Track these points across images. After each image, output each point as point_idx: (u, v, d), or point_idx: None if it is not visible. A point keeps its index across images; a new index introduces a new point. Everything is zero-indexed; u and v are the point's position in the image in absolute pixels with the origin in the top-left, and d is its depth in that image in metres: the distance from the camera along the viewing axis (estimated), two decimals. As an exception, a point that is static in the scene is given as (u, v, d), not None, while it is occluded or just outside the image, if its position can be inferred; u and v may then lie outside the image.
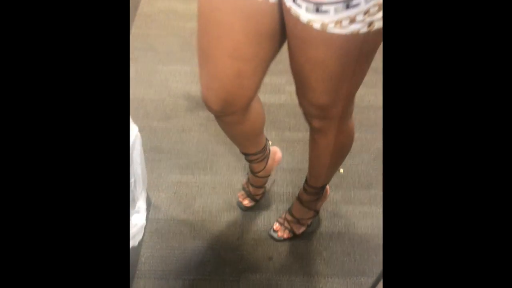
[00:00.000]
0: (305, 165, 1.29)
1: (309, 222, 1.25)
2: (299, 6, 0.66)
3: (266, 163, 1.16)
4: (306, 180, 1.15)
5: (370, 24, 0.66)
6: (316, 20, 0.66)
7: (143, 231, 1.21)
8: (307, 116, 0.90)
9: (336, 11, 0.64)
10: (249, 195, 1.28)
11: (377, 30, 0.68)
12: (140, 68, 1.75)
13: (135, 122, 1.10)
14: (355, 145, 1.03)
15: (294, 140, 1.51)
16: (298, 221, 1.23)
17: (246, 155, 1.10)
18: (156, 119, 1.57)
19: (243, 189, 1.29)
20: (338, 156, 1.02)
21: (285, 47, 0.82)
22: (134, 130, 1.09)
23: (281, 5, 0.72)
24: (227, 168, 1.42)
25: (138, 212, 1.16)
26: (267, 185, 1.32)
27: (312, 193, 1.16)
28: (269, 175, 1.23)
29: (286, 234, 1.24)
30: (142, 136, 1.15)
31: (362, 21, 0.65)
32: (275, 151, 1.22)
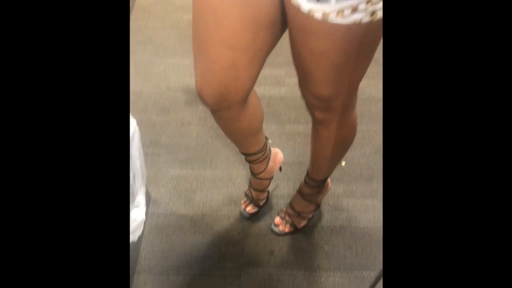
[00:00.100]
0: (306, 158, 1.28)
1: (310, 215, 1.24)
2: None
3: (267, 164, 1.12)
4: (307, 173, 1.14)
5: (373, 13, 0.65)
6: (317, 10, 0.65)
7: (142, 226, 1.20)
8: (310, 107, 0.89)
9: (337, 0, 0.62)
10: (252, 200, 1.24)
11: (380, 20, 0.66)
12: (138, 61, 1.73)
13: (133, 116, 1.08)
14: (356, 138, 1.01)
15: (295, 133, 1.50)
16: (299, 215, 1.22)
17: (246, 155, 1.07)
18: (154, 113, 1.55)
19: (246, 195, 1.26)
20: (340, 148, 1.00)
21: (285, 38, 0.80)
22: (132, 124, 1.08)
23: None
24: (227, 162, 1.41)
25: (137, 207, 1.15)
26: (270, 189, 1.29)
27: (313, 186, 1.14)
28: (271, 178, 1.20)
29: (287, 228, 1.23)
30: (140, 130, 1.13)
31: (365, 10, 0.64)
32: (276, 153, 1.18)
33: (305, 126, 1.50)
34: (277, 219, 1.24)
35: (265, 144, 1.07)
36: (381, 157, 1.43)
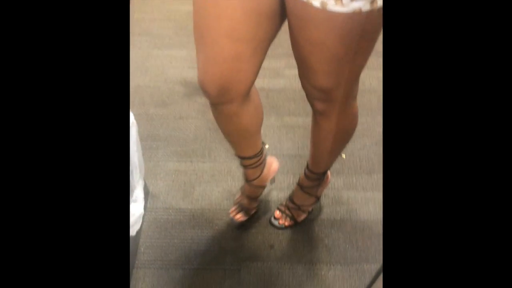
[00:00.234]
0: (306, 151, 1.27)
1: (310, 209, 1.23)
2: None
3: (262, 170, 1.10)
4: (307, 166, 1.13)
5: (373, 1, 0.63)
6: None
7: (141, 221, 1.19)
8: (310, 98, 0.87)
9: None
10: (242, 208, 1.20)
11: (381, 8, 0.64)
12: (135, 53, 1.71)
13: (131, 109, 1.07)
14: (356, 130, 1.00)
15: (294, 125, 1.48)
16: (299, 208, 1.21)
17: (242, 158, 1.05)
18: (152, 106, 1.54)
19: (236, 203, 1.23)
20: (341, 140, 0.99)
21: (283, 29, 0.78)
22: (129, 118, 1.06)
23: None
24: (226, 155, 1.39)
25: (135, 201, 1.14)
26: (265, 192, 1.25)
27: (313, 178, 1.13)
28: (264, 186, 1.18)
29: (287, 222, 1.22)
30: (138, 124, 1.12)
31: None
32: (272, 161, 1.16)
33: (304, 118, 1.49)
34: (277, 213, 1.23)
35: (262, 150, 1.06)
36: (382, 149, 1.42)
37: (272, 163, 1.16)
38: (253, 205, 1.21)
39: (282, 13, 0.74)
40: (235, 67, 0.77)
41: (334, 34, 0.69)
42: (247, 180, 1.12)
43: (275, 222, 1.23)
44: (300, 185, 1.18)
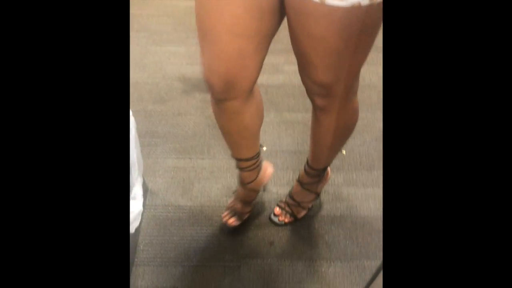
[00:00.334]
0: (305, 147, 1.26)
1: (310, 205, 1.22)
2: None
3: (258, 174, 1.09)
4: (307, 162, 1.12)
5: None
6: None
7: (140, 218, 1.18)
8: (310, 94, 0.87)
9: None
10: (235, 213, 1.19)
11: (381, 3, 0.64)
12: (133, 49, 1.70)
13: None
14: (356, 126, 0.99)
15: (294, 121, 1.47)
16: (299, 205, 1.20)
17: (239, 160, 1.04)
18: (150, 103, 1.53)
19: (228, 207, 1.21)
20: (341, 136, 0.98)
21: (283, 25, 0.77)
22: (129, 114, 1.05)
23: None
24: (225, 151, 1.38)
25: (134, 198, 1.13)
26: (259, 197, 1.24)
27: (313, 175, 1.12)
28: (259, 191, 1.17)
29: (287, 218, 1.21)
30: (136, 120, 1.11)
31: None
32: (267, 166, 1.15)
33: (304, 114, 1.48)
34: (277, 209, 1.22)
35: (259, 152, 1.05)
36: (381, 145, 1.41)
37: (268, 168, 1.16)
38: (247, 209, 1.19)
39: (282, 9, 0.73)
40: (240, 63, 0.78)
41: (334, 29, 0.68)
42: (242, 183, 1.12)
43: (275, 219, 1.22)
44: (300, 182, 1.17)
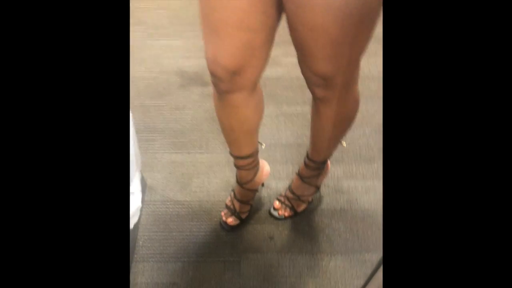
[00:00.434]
0: (305, 140, 1.25)
1: (310, 199, 1.21)
2: None
3: (255, 173, 1.09)
4: (307, 155, 1.11)
5: None
6: None
7: (139, 214, 1.17)
8: (310, 85, 0.86)
9: None
10: (233, 212, 1.18)
11: None
12: (130, 44, 1.68)
13: (124, 101, 1.04)
14: (356, 118, 0.98)
15: (293, 114, 1.46)
16: (299, 198, 1.19)
17: (237, 158, 1.03)
18: (148, 97, 1.51)
19: (227, 207, 1.20)
20: (342, 126, 0.97)
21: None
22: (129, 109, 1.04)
23: None
24: (224, 145, 1.37)
25: (132, 194, 1.12)
26: (258, 194, 1.24)
27: (313, 168, 1.11)
28: (256, 190, 1.16)
29: (287, 212, 1.20)
30: (134, 116, 1.10)
31: None
32: (264, 164, 1.15)
33: (303, 106, 1.47)
34: (276, 203, 1.21)
35: (257, 151, 1.04)
36: (382, 137, 1.40)
37: (264, 166, 1.15)
38: (245, 209, 1.18)
39: (281, 0, 0.72)
40: (249, 54, 0.77)
41: (332, 18, 0.67)
42: (240, 183, 1.11)
43: (275, 213, 1.21)
44: (299, 175, 1.16)
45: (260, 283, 1.10)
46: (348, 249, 1.15)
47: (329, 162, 1.18)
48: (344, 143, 1.36)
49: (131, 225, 1.10)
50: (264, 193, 1.27)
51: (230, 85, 0.82)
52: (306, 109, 0.99)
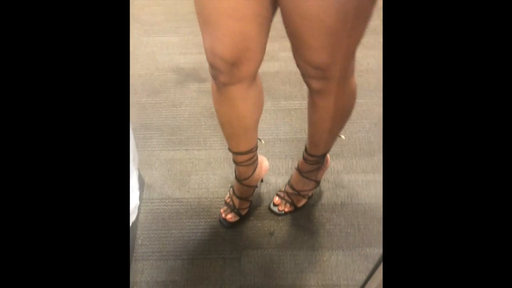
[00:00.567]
0: (304, 135, 1.23)
1: (310, 193, 1.20)
2: None
3: (254, 169, 1.07)
4: (305, 149, 1.09)
5: None
6: None
7: (137, 212, 1.16)
8: (305, 77, 0.84)
9: None
10: (233, 209, 1.16)
11: None
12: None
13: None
14: (355, 111, 0.96)
15: (291, 109, 1.44)
16: (299, 194, 1.18)
17: (236, 154, 1.01)
18: (144, 95, 1.50)
19: (226, 204, 1.19)
20: (340, 119, 0.96)
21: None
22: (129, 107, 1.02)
23: None
24: (222, 141, 1.36)
25: (130, 192, 1.11)
26: (257, 190, 1.23)
27: (313, 162, 1.10)
28: (256, 186, 1.14)
29: (287, 208, 1.19)
30: (130, 113, 1.08)
31: None
32: (262, 160, 1.13)
33: (301, 101, 1.45)
34: (276, 199, 1.20)
35: (256, 147, 1.03)
36: (381, 130, 1.38)
37: (263, 162, 1.14)
38: (244, 205, 1.17)
39: None
40: (245, 45, 0.76)
41: (328, 7, 0.66)
42: (239, 179, 1.09)
43: (275, 209, 1.20)
44: (299, 170, 1.15)
45: (261, 280, 1.09)
46: (349, 244, 1.14)
47: (328, 156, 1.16)
48: (343, 136, 1.34)
49: (129, 223, 1.09)
50: (263, 189, 1.25)
51: (229, 77, 0.81)
52: (304, 104, 0.97)
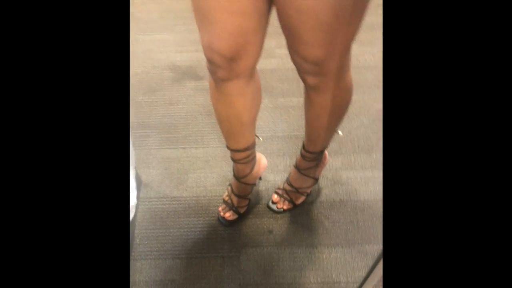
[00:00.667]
0: (301, 132, 1.23)
1: (308, 191, 1.19)
2: None
3: (252, 167, 1.07)
4: (303, 146, 1.09)
5: None
6: None
7: (134, 211, 1.16)
8: (301, 73, 0.83)
9: None
10: (231, 207, 1.15)
11: None
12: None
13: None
14: (353, 108, 0.96)
15: (289, 106, 1.44)
16: (297, 191, 1.17)
17: (234, 151, 1.01)
18: (141, 93, 1.49)
19: (224, 202, 1.18)
20: (337, 115, 0.95)
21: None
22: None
23: None
24: (219, 139, 1.35)
25: (127, 192, 1.10)
26: (256, 187, 1.22)
27: (311, 159, 1.09)
28: (254, 184, 1.14)
29: (285, 205, 1.18)
30: (125, 111, 1.07)
31: None
32: (260, 157, 1.13)
33: (298, 98, 1.44)
34: (275, 197, 1.20)
35: (254, 144, 1.02)
36: (380, 126, 1.38)
37: (261, 159, 1.13)
38: (243, 203, 1.16)
39: None
40: (242, 40, 0.76)
41: (324, 1, 0.65)
42: (237, 177, 1.09)
43: (273, 207, 1.19)
44: (297, 167, 1.14)
45: (260, 278, 1.08)
46: (348, 241, 1.14)
47: (326, 153, 1.16)
48: (340, 132, 1.34)
49: (127, 223, 1.08)
50: (261, 186, 1.25)
51: (227, 72, 0.80)
52: (302, 101, 0.97)
